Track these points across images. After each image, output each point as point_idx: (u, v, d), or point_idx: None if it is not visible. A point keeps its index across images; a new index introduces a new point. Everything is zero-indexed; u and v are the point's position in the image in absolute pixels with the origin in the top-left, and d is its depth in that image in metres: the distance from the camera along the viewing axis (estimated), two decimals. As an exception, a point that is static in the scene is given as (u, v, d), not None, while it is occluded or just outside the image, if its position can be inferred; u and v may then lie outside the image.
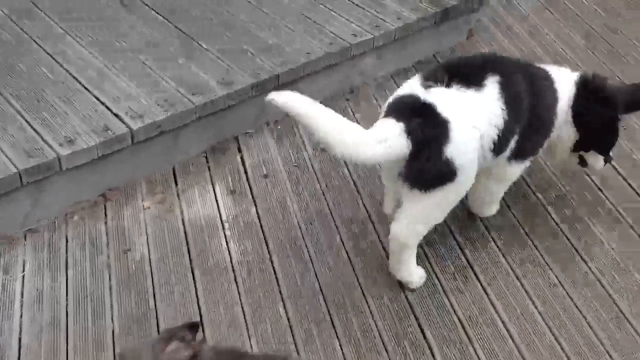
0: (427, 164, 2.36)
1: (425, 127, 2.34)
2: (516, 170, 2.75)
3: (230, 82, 3.17)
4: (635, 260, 2.80)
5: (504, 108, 2.47)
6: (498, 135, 2.49)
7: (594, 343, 2.50)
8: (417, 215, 2.51)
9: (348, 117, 3.36)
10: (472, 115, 2.43)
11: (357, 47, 3.53)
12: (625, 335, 2.54)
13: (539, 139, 2.71)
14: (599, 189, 3.09)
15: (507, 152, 2.60)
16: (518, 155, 2.65)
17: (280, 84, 3.30)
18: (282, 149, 3.23)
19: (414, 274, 2.67)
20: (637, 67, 3.83)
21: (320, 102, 3.36)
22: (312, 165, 3.15)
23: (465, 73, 2.48)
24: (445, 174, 2.40)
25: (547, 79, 2.70)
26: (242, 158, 3.17)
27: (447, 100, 2.41)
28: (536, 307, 2.61)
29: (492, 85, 2.47)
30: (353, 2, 3.78)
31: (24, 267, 2.61)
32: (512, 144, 2.58)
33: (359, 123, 3.26)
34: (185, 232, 2.80)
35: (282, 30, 3.55)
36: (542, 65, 2.78)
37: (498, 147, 2.52)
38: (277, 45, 3.45)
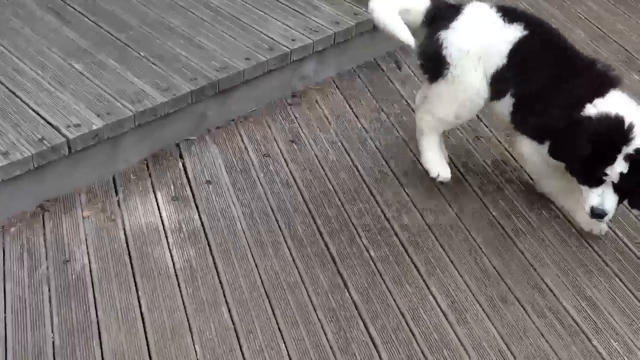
0: (425, 41, 2.99)
1: (441, 9, 2.99)
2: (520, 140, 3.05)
3: (168, 89, 3.23)
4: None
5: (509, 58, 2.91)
6: (493, 73, 2.92)
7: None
8: (426, 105, 3.09)
9: (290, 121, 3.51)
10: (484, 34, 2.94)
11: (297, 52, 3.63)
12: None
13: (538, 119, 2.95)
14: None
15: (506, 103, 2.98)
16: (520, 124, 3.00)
17: (220, 91, 3.38)
18: (224, 155, 3.29)
19: (432, 164, 3.12)
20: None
21: (262, 108, 3.56)
22: (255, 171, 3.23)
23: (514, 16, 2.97)
24: (436, 58, 2.94)
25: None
26: (184, 165, 3.22)
27: (480, 12, 2.99)
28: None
29: (516, 32, 2.92)
30: (290, 8, 3.89)
31: (-41, 283, 2.62)
32: (508, 98, 2.94)
33: (301, 128, 3.46)
34: (126, 241, 2.83)
35: (218, 36, 3.63)
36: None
37: (492, 85, 2.95)
38: (215, 51, 3.52)
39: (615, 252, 3.00)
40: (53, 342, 2.44)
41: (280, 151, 3.35)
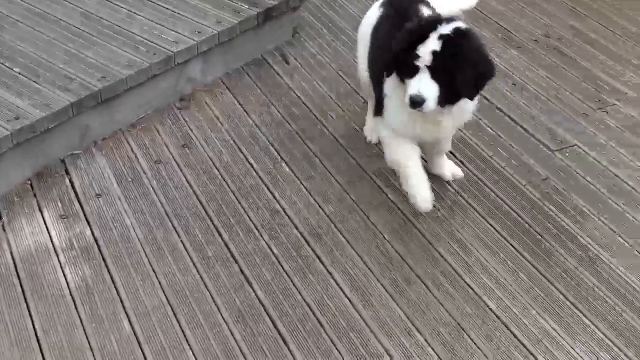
0: None
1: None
2: None
3: (46, 104, 3.21)
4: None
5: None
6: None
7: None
8: None
9: (180, 125, 3.54)
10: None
11: (181, 54, 3.67)
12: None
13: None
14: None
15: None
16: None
17: (103, 100, 3.37)
18: (113, 165, 3.29)
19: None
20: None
21: (150, 115, 3.58)
22: (147, 178, 3.24)
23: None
24: None
25: None
26: (71, 180, 3.21)
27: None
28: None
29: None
30: (171, 10, 3.92)
31: None
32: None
33: (192, 132, 3.50)
34: (14, 264, 2.80)
35: (99, 45, 3.63)
36: None
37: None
38: (95, 60, 3.51)
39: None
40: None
41: (172, 156, 3.38)
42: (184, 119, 3.60)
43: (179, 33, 3.75)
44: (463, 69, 2.70)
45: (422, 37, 2.70)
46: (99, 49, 3.59)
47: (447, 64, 2.69)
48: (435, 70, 2.71)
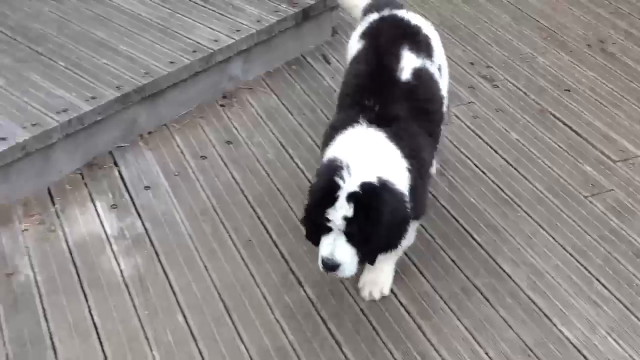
0: None
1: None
2: None
3: (94, 98, 3.34)
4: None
5: None
6: None
7: None
8: None
9: (223, 122, 3.66)
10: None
11: (221, 52, 3.79)
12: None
13: None
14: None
15: None
16: None
17: (147, 95, 3.50)
18: (160, 160, 3.41)
19: None
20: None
21: (193, 111, 3.70)
22: (193, 173, 3.36)
23: None
24: None
25: None
26: (119, 172, 3.33)
27: None
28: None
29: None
30: (211, 10, 4.06)
31: None
32: None
33: (236, 129, 3.62)
34: (70, 251, 2.91)
35: (142, 43, 3.76)
36: None
37: None
38: (139, 57, 3.64)
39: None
40: (7, 355, 2.50)
41: (217, 153, 3.50)
42: (227, 116, 3.73)
43: (219, 32, 3.88)
44: (379, 232, 2.49)
45: (331, 200, 2.45)
46: (142, 46, 3.72)
47: (362, 229, 2.47)
48: (350, 235, 2.48)
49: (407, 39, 2.90)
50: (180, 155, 3.46)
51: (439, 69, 3.02)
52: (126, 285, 2.82)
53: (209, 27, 3.91)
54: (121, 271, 2.87)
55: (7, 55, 3.54)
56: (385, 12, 3.05)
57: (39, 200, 3.13)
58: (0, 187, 3.04)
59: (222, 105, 3.80)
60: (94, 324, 2.67)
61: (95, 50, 3.65)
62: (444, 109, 3.05)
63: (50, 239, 2.95)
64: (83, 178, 3.27)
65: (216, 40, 3.82)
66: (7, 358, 2.50)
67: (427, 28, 3.07)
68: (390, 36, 2.92)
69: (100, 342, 2.61)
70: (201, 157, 3.46)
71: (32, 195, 3.14)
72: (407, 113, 2.71)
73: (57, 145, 3.20)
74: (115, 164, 3.36)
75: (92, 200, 3.16)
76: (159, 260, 2.94)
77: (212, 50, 3.76)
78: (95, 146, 3.36)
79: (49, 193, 3.17)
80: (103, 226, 3.05)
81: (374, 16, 3.07)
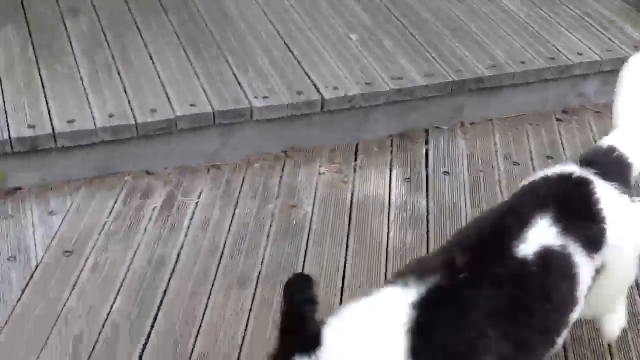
0: None
1: None
2: None
3: (431, 74, 3.49)
4: None
5: None
6: None
7: None
8: None
9: (552, 138, 3.54)
10: None
11: (580, 66, 3.66)
12: None
13: None
14: None
15: None
16: None
17: (484, 87, 3.54)
18: (470, 151, 3.46)
19: None
20: None
21: (526, 115, 3.65)
22: (498, 175, 3.34)
23: None
24: None
25: None
26: (426, 151, 3.45)
27: None
28: None
29: None
30: (587, 22, 3.92)
31: (199, 195, 3.13)
32: None
33: (563, 146, 3.47)
34: (351, 205, 3.13)
35: (498, 34, 3.80)
36: None
37: None
38: (490, 47, 3.70)
39: None
40: (259, 273, 2.80)
41: (532, 163, 3.41)
42: (559, 131, 3.60)
43: (587, 45, 3.76)
44: None
45: None
46: (499, 38, 3.78)
47: None
48: None
49: (559, 204, 2.03)
50: (493, 154, 3.45)
51: (601, 269, 2.08)
52: (387, 254, 2.95)
53: (577, 38, 3.81)
54: (388, 240, 3.00)
55: (372, 17, 3.89)
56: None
57: (345, 152, 3.40)
58: (316, 129, 3.38)
59: (558, 120, 3.68)
60: (343, 275, 2.84)
61: (451, 31, 3.81)
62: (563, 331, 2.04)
63: (339, 188, 3.21)
64: (391, 145, 3.46)
65: (580, 54, 3.70)
66: (259, 275, 2.80)
67: (622, 202, 2.12)
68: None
69: (342, 293, 2.78)
70: (514, 162, 3.41)
71: (342, 145, 3.43)
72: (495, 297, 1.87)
73: (380, 108, 3.43)
74: (426, 142, 3.49)
75: (390, 168, 3.34)
76: (427, 242, 3.01)
77: (571, 62, 3.65)
78: (414, 120, 3.52)
79: (356, 148, 3.43)
80: (390, 194, 3.20)
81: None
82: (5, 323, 2.54)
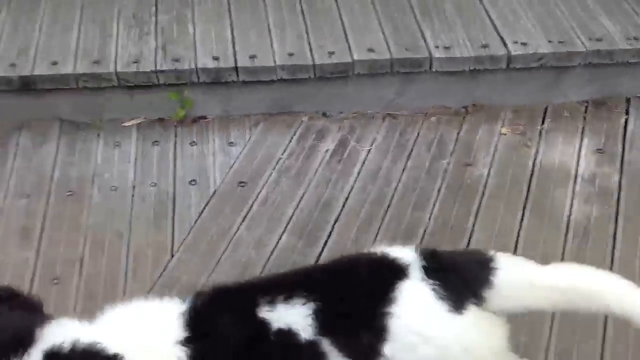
0: None
1: None
2: None
3: (636, 39, 3.19)
4: None
5: None
6: None
7: None
8: None
9: None
10: None
11: None
12: None
13: None
14: None
15: None
16: None
17: None
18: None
19: None
20: None
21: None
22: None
23: None
24: None
25: None
26: (626, 121, 3.17)
27: None
28: None
29: None
30: None
31: (372, 142, 3.08)
32: None
33: None
34: (532, 171, 2.94)
35: None
36: None
37: None
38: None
39: None
40: (425, 230, 2.70)
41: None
42: None
43: None
44: None
45: None
46: None
47: None
48: None
49: None
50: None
51: None
52: (567, 228, 2.73)
53: None
54: (570, 212, 2.79)
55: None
56: None
57: (531, 114, 3.19)
58: (500, 86, 3.19)
59: None
60: (515, 246, 2.64)
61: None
62: None
63: (520, 152, 3.02)
64: (585, 111, 3.21)
65: None
66: (424, 232, 2.70)
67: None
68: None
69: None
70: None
71: (527, 106, 3.22)
72: None
73: (575, 70, 3.19)
74: (627, 112, 3.20)
75: (582, 136, 3.09)
76: (615, 223, 2.76)
77: None
78: (615, 86, 3.25)
79: (544, 111, 3.20)
80: (578, 164, 2.97)
81: None
82: (183, 241, 2.67)
